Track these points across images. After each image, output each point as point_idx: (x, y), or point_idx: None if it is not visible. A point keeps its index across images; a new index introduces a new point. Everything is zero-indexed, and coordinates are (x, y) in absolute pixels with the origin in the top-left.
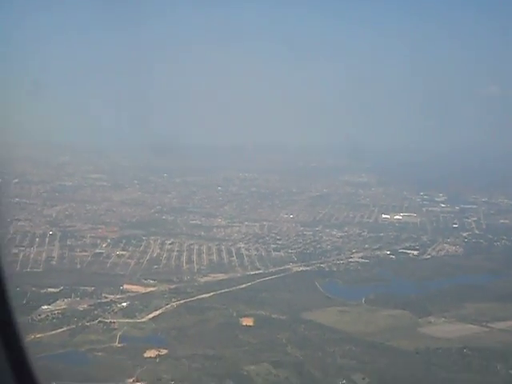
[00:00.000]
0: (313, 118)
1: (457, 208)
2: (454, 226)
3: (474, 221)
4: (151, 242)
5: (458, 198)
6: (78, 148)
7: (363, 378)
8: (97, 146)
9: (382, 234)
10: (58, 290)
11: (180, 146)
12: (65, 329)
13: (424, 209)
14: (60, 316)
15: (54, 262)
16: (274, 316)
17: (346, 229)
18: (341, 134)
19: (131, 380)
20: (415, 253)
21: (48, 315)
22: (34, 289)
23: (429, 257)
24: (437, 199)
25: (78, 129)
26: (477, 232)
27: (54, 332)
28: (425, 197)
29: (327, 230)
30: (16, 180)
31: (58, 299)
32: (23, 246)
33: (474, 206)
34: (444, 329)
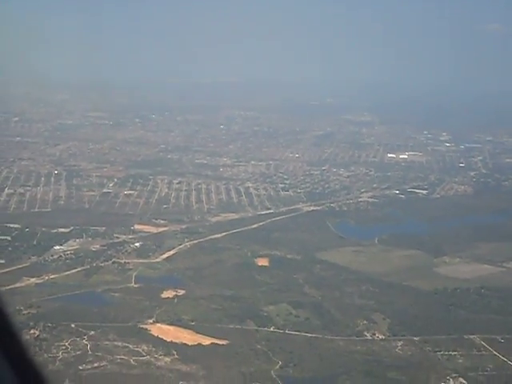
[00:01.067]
0: (308, 55)
1: (462, 147)
2: (461, 165)
3: (480, 160)
4: (158, 181)
5: (462, 137)
6: (75, 86)
7: (383, 319)
8: (95, 83)
9: (389, 174)
10: (68, 230)
11: (177, 83)
12: (79, 269)
13: (429, 148)
14: (73, 256)
15: (62, 202)
16: (288, 256)
17: (353, 168)
18: (337, 71)
19: (151, 321)
20: (424, 192)
21: (61, 256)
22: (43, 229)
23: (438, 196)
24: (441, 138)
25: (75, 66)
26: (484, 171)
27: (68, 273)
28: (429, 136)
29: (334, 170)
30: (16, 118)
31: (69, 239)
32: (29, 186)
33: (479, 145)
34: (460, 269)
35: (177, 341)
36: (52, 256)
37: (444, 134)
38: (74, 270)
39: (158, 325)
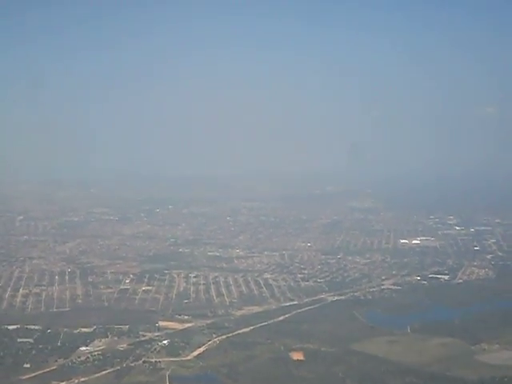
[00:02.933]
0: (305, 146)
1: (472, 230)
2: (476, 248)
3: (494, 243)
4: (174, 275)
5: (470, 220)
6: (76, 183)
7: None
8: (95, 179)
9: (405, 260)
10: (91, 329)
11: (179, 176)
12: (109, 370)
13: (439, 232)
14: (101, 357)
15: (80, 301)
16: (323, 349)
17: (368, 255)
18: (335, 160)
19: None
20: (446, 277)
21: (88, 357)
22: (65, 329)
23: (461, 281)
24: (449, 222)
25: (73, 165)
26: (500, 254)
27: (98, 375)
28: (436, 220)
29: (349, 258)
30: (21, 217)
31: (94, 339)
32: (44, 285)
33: (489, 228)
34: (501, 356)
35: None
36: (79, 357)
37: (451, 217)
38: (104, 372)
39: None
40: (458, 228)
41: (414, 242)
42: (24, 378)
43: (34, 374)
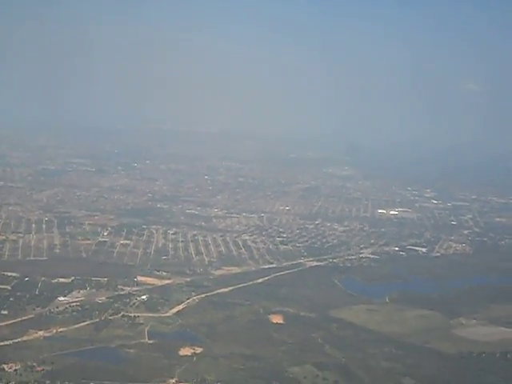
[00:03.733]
0: (284, 108)
1: (449, 205)
2: (453, 223)
3: (471, 218)
4: (153, 231)
5: (447, 195)
6: (53, 130)
7: None
8: (71, 128)
9: (383, 230)
10: (69, 280)
11: (157, 131)
12: (88, 322)
13: (417, 204)
14: (79, 308)
15: (58, 250)
16: (302, 314)
17: (346, 223)
18: (314, 124)
19: (173, 380)
20: (424, 250)
21: (66, 307)
22: (43, 278)
23: (438, 254)
24: (426, 195)
25: (51, 111)
26: (477, 230)
27: (77, 326)
28: (414, 192)
29: (328, 224)
30: None
31: (72, 290)
32: (20, 233)
33: (466, 204)
34: (479, 331)
35: None
36: (57, 308)
37: (428, 190)
38: (82, 324)
39: None
40: (435, 202)
41: (392, 212)
42: (1, 324)
43: (11, 322)
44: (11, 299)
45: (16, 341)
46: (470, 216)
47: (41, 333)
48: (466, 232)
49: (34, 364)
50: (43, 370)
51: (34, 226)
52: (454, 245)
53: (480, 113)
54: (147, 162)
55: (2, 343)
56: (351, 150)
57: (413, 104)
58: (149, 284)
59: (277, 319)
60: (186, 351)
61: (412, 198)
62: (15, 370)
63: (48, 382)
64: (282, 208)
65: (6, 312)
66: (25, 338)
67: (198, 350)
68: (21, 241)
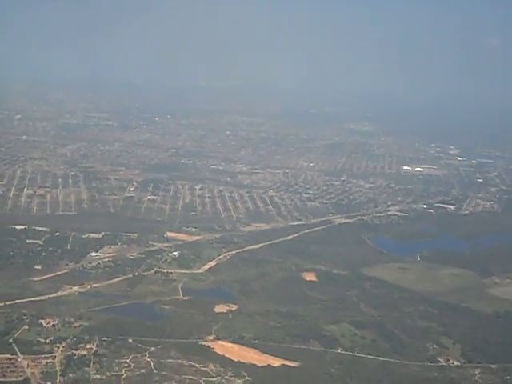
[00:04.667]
0: (304, 63)
1: (474, 162)
2: (479, 180)
3: (496, 176)
4: (179, 186)
5: (471, 152)
6: (72, 84)
7: (453, 343)
8: (90, 82)
9: (410, 187)
10: (100, 235)
11: (175, 86)
12: (121, 278)
13: (442, 161)
14: (112, 264)
15: (86, 205)
16: (334, 271)
17: (372, 180)
18: (332, 80)
19: (211, 337)
20: (452, 207)
21: (99, 263)
22: (74, 233)
23: (467, 212)
24: (450, 152)
25: (71, 65)
26: (503, 188)
27: (110, 282)
28: (437, 149)
29: (353, 181)
30: (18, 116)
31: (104, 246)
32: (48, 187)
33: (490, 161)
34: None
35: (244, 361)
36: (90, 263)
37: (452, 147)
38: (116, 279)
39: (220, 342)
40: (459, 158)
41: (417, 169)
42: (36, 279)
43: (45, 277)
44: (44, 254)
45: (51, 296)
46: (496, 173)
47: (75, 288)
48: (493, 190)
49: (72, 319)
50: (81, 325)
51: (60, 180)
52: (482, 202)
53: (503, 68)
54: (168, 116)
55: (37, 298)
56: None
57: (435, 61)
58: (179, 240)
59: (310, 277)
60: (221, 308)
61: (436, 154)
62: (53, 325)
63: (87, 337)
64: (306, 164)
65: (39, 267)
66: (60, 294)
67: (233, 307)
68: (48, 195)
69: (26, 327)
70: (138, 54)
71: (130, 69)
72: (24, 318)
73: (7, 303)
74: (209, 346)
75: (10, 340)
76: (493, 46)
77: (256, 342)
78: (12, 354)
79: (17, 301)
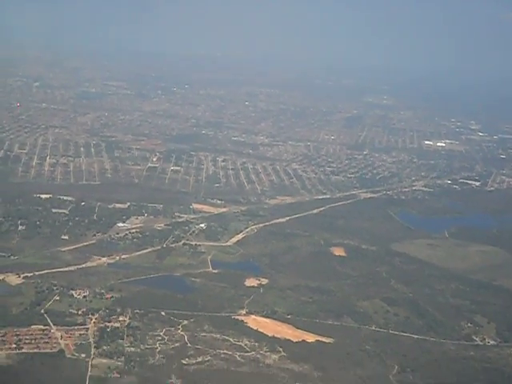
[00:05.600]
0: (313, 37)
1: (495, 137)
2: (502, 156)
3: None
4: (202, 158)
5: (492, 127)
6: (85, 52)
7: (488, 322)
8: (104, 51)
9: (432, 162)
10: (126, 205)
11: (190, 55)
12: (150, 250)
13: (463, 136)
14: (139, 235)
15: (109, 175)
16: (363, 246)
17: (394, 154)
18: (342, 53)
19: (244, 312)
20: (477, 184)
21: (127, 234)
22: (99, 203)
23: (492, 189)
24: (471, 127)
25: (83, 32)
26: None
27: (139, 253)
28: (458, 123)
29: (376, 155)
30: (36, 83)
31: (130, 216)
32: (70, 156)
33: None
34: None
35: (279, 336)
36: (117, 234)
37: (472, 122)
38: (144, 251)
39: (253, 317)
40: (481, 134)
41: (439, 144)
42: (64, 249)
43: (73, 247)
44: (70, 224)
45: (80, 267)
46: None
47: (104, 259)
48: None
49: (102, 291)
50: (112, 297)
51: (82, 149)
52: (507, 179)
53: None
54: (186, 86)
55: (66, 269)
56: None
57: (449, 35)
58: (205, 212)
59: (339, 252)
60: (251, 282)
61: (457, 129)
62: (84, 296)
63: (119, 309)
64: (327, 137)
65: (66, 237)
66: (89, 264)
67: (264, 281)
68: (71, 164)
69: (57, 298)
70: (153, 23)
71: (145, 38)
72: (54, 288)
73: (36, 273)
74: (242, 321)
75: (42, 311)
76: (507, 20)
77: (289, 317)
78: (45, 325)
79: (46, 271)
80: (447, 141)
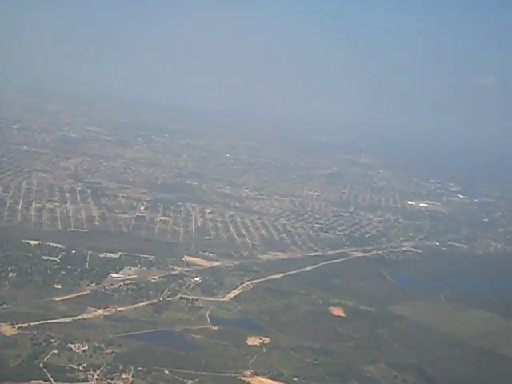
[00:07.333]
0: (293, 91)
1: (476, 200)
2: (484, 220)
3: (501, 216)
4: (189, 208)
5: (471, 190)
6: (63, 96)
7: None
8: (82, 95)
9: (418, 222)
10: (117, 255)
11: (166, 105)
12: (146, 303)
13: (444, 198)
14: (134, 287)
15: (98, 223)
16: (361, 307)
17: (379, 213)
18: (323, 108)
19: (249, 372)
20: (465, 247)
21: (121, 285)
22: (90, 252)
23: (480, 253)
24: (451, 189)
25: (60, 76)
26: (511, 229)
27: (135, 306)
28: (437, 185)
29: (362, 213)
30: (16, 126)
31: (123, 267)
32: (56, 202)
33: (492, 200)
34: None
35: None
36: (112, 285)
37: (451, 184)
38: (140, 304)
39: (259, 378)
40: (461, 196)
41: (422, 204)
42: (57, 299)
43: (67, 297)
44: (62, 272)
45: (76, 318)
46: (500, 214)
47: (100, 311)
48: (500, 230)
49: (102, 345)
50: (113, 352)
51: (67, 195)
52: (493, 243)
53: (497, 108)
54: (166, 135)
55: (62, 320)
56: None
57: (429, 97)
58: (198, 265)
59: (338, 312)
60: (253, 341)
61: (437, 191)
62: (83, 350)
63: (121, 366)
64: (311, 193)
65: (59, 286)
66: (85, 316)
67: (266, 341)
68: (58, 210)
69: (56, 351)
70: (126, 68)
71: (120, 84)
72: (52, 340)
73: (31, 324)
74: (249, 382)
75: (41, 365)
76: (487, 85)
77: (296, 379)
78: (45, 381)
79: (41, 321)
80: (429, 201)
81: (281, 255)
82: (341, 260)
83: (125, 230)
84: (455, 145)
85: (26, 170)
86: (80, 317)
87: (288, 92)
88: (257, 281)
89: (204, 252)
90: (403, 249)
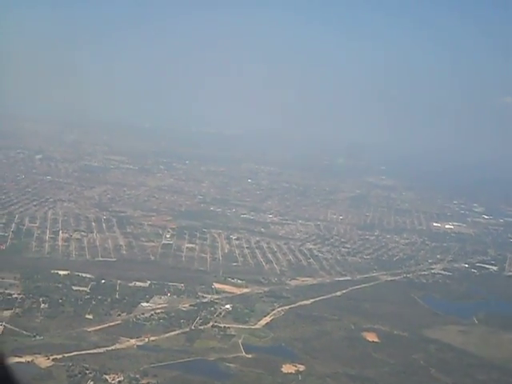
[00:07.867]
0: (307, 112)
1: (501, 221)
2: (511, 240)
3: None
4: (215, 235)
5: (496, 210)
6: (82, 127)
7: None
8: (99, 124)
9: (445, 244)
10: (146, 284)
11: (185, 132)
12: (178, 332)
13: (469, 219)
14: (165, 316)
15: (125, 252)
16: (395, 332)
17: (405, 235)
18: (337, 129)
19: None
20: (494, 268)
21: (152, 314)
22: (119, 281)
23: (511, 274)
24: (475, 210)
25: (77, 105)
26: None
27: (167, 335)
28: (461, 206)
29: (388, 236)
30: (39, 156)
31: (153, 295)
32: (83, 231)
33: None
34: None
35: None
36: (143, 314)
37: (475, 204)
38: (172, 333)
39: None
40: (486, 217)
41: (447, 226)
42: (90, 329)
43: (99, 327)
44: (93, 302)
45: (109, 349)
46: None
47: (133, 341)
48: None
49: (137, 376)
50: (148, 382)
51: (93, 224)
52: None
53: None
54: (187, 162)
55: (95, 350)
56: (352, 151)
57: (447, 118)
58: (227, 292)
59: (371, 337)
60: (288, 368)
61: (462, 212)
62: (119, 381)
63: None
64: (335, 217)
65: (90, 316)
66: (118, 346)
67: (301, 368)
68: (85, 240)
69: (91, 383)
70: (142, 99)
71: (136, 113)
72: (87, 372)
73: (65, 355)
74: None
75: None
76: (507, 104)
77: None
78: None
79: (75, 352)
80: (455, 223)
81: (309, 280)
82: (370, 284)
83: (152, 258)
84: (476, 165)
85: (50, 200)
86: (113, 347)
87: (307, 116)
88: (287, 307)
89: (233, 279)
90: (432, 271)
